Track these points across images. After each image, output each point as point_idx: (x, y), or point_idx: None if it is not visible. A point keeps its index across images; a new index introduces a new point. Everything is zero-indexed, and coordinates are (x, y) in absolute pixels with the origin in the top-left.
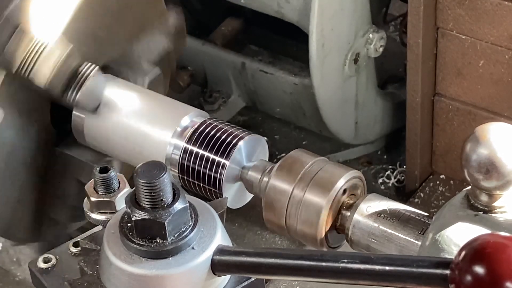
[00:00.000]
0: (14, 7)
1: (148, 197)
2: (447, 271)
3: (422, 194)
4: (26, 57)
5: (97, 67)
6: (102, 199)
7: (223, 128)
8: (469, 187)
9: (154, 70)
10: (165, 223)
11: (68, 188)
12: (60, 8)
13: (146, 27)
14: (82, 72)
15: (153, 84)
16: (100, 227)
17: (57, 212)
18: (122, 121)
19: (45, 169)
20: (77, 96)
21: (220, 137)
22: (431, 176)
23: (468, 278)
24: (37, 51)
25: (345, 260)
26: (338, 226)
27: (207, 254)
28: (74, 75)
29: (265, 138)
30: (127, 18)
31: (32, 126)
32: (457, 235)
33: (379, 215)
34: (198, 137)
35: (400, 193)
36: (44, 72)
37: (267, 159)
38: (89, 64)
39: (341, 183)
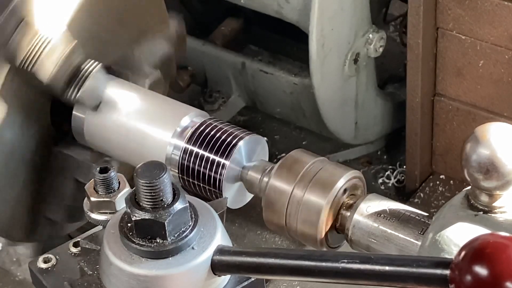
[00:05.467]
0: (20, 0)
1: (148, 197)
2: (447, 271)
3: (422, 194)
4: (30, 51)
5: (100, 64)
6: (102, 199)
7: (223, 128)
8: (469, 187)
9: (154, 73)
10: (165, 223)
11: (65, 187)
12: (65, 4)
13: (147, 32)
14: (84, 69)
15: (153, 86)
16: (100, 227)
17: (53, 211)
18: (122, 121)
19: (42, 168)
20: (78, 93)
21: (220, 137)
22: (431, 176)
23: (468, 278)
24: (41, 45)
25: (345, 260)
26: (338, 226)
27: (207, 254)
28: (76, 72)
29: (265, 138)
30: (129, 21)
31: (32, 125)
32: (457, 235)
33: (379, 215)
34: (198, 137)
35: (400, 193)
36: (47, 67)
37: (267, 159)
38: (92, 61)
39: (341, 183)
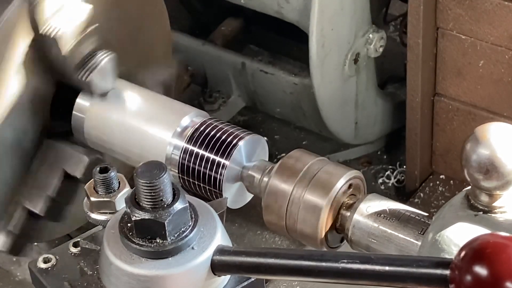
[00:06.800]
0: None
1: (148, 197)
2: (447, 271)
3: (422, 194)
4: (53, 19)
5: (113, 54)
6: (102, 199)
7: (223, 128)
8: (469, 187)
9: None
10: (165, 223)
11: (50, 177)
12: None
13: (152, 56)
14: (99, 55)
15: None
16: (100, 227)
17: (33, 200)
18: (122, 120)
19: (31, 160)
20: (91, 75)
21: (220, 137)
22: (431, 176)
23: (468, 278)
24: (66, 16)
25: (345, 260)
26: (338, 226)
27: (207, 254)
28: (92, 55)
29: (265, 138)
30: (138, 39)
31: (30, 118)
32: (457, 235)
33: (379, 215)
34: (198, 137)
35: (400, 193)
36: (68, 38)
37: (267, 159)
38: (107, 51)
39: (341, 183)
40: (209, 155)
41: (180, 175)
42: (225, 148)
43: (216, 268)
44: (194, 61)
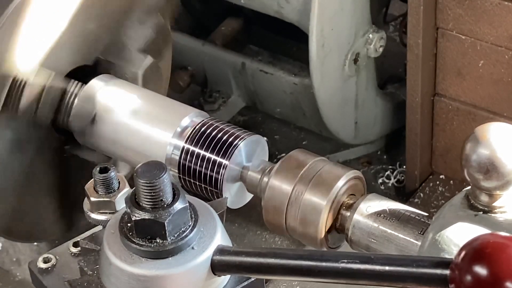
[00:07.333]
0: None
1: (148, 197)
2: (447, 271)
3: (422, 194)
4: (11, 95)
5: (81, 84)
6: (102, 199)
7: (223, 128)
8: (469, 187)
9: (146, 59)
10: (165, 223)
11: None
12: (37, 33)
13: (130, 12)
14: (69, 94)
15: (148, 74)
16: (100, 227)
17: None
18: (122, 121)
19: (59, 169)
20: (69, 119)
21: (220, 137)
22: (431, 176)
23: (468, 278)
24: (19, 87)
25: (345, 260)
26: (338, 226)
27: (207, 254)
28: (61, 100)
29: (265, 138)
30: (112, 4)
31: (34, 131)
32: (457, 235)
33: (379, 215)
34: (198, 137)
35: (400, 193)
36: (31, 105)
37: (267, 159)
38: (75, 82)
39: (341, 183)
40: (209, 155)
41: (180, 175)
42: (225, 148)
43: (216, 268)
44: (194, 61)
